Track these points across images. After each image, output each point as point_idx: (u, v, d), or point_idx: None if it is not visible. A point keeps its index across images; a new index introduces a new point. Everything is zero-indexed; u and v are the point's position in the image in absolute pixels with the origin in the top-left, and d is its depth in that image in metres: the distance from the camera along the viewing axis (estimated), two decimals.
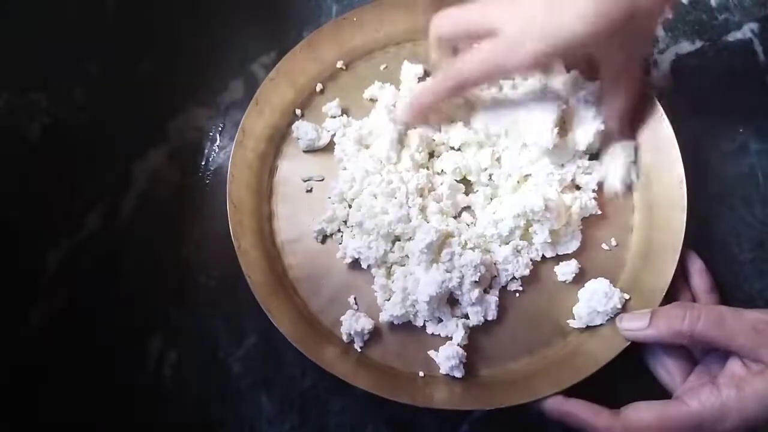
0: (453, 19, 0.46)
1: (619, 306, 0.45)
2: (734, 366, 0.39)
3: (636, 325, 0.41)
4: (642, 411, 0.40)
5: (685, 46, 0.56)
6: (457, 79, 0.45)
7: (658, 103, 0.49)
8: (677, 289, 0.45)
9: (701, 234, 0.48)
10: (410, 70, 0.53)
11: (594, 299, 0.45)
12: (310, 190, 0.50)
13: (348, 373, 0.43)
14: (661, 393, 0.43)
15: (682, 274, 0.46)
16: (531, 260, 0.47)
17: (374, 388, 0.42)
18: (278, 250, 0.48)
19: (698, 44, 0.56)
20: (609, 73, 0.46)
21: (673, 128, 0.48)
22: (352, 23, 0.53)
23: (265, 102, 0.50)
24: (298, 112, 0.52)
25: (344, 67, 0.53)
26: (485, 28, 0.44)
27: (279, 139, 0.51)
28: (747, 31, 0.56)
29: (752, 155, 0.52)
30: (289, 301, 0.46)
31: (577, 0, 0.41)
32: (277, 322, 0.43)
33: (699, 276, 0.46)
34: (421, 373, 0.45)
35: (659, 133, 0.49)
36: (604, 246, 0.48)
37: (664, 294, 0.44)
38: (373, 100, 0.53)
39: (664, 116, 0.49)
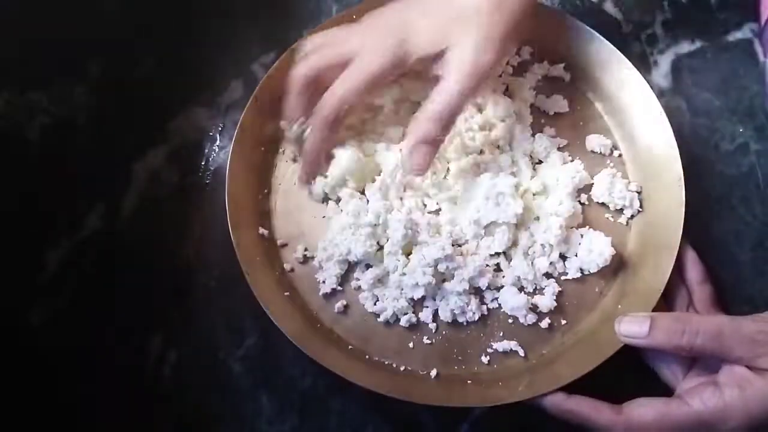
0: (319, 51, 0.47)
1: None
2: (735, 366, 0.39)
3: (635, 332, 0.41)
4: (644, 407, 0.40)
5: (685, 46, 0.56)
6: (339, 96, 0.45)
7: (657, 103, 0.49)
8: (672, 283, 0.45)
9: (701, 234, 0.48)
10: None
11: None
12: None
13: (346, 370, 0.43)
14: (663, 389, 0.43)
15: (677, 267, 0.46)
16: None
17: (373, 386, 0.42)
18: (277, 247, 0.48)
19: (698, 44, 0.56)
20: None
21: (673, 128, 0.48)
22: (352, 20, 0.53)
23: (264, 99, 0.50)
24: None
25: None
26: (346, 56, 0.45)
27: (278, 136, 0.51)
28: (747, 31, 0.56)
29: (752, 155, 0.52)
30: (289, 298, 0.46)
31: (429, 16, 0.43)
32: (276, 320, 0.43)
33: (692, 267, 0.46)
34: (421, 371, 0.45)
35: (659, 132, 0.49)
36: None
37: (661, 292, 0.44)
38: None
39: (664, 115, 0.49)
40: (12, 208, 0.49)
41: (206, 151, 0.52)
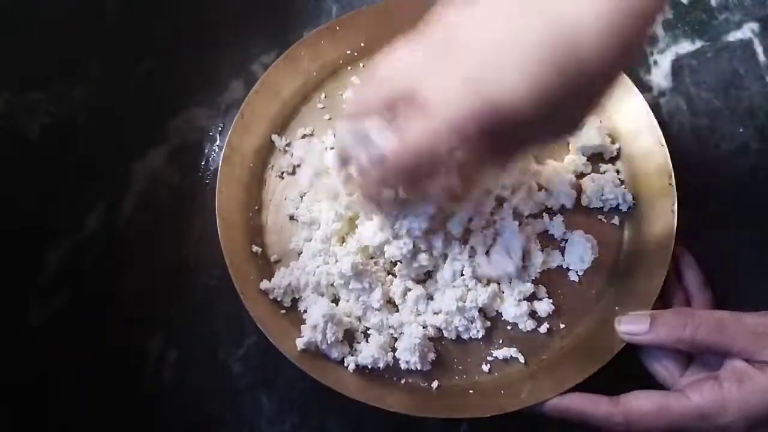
0: (367, 89, 0.36)
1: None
2: (735, 361, 0.39)
3: (636, 329, 0.41)
4: (642, 399, 0.40)
5: (685, 46, 0.56)
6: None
7: (644, 102, 0.49)
8: (670, 286, 0.45)
9: (701, 235, 0.48)
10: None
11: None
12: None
13: (348, 387, 0.43)
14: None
15: (674, 271, 0.46)
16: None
17: (376, 402, 0.42)
18: (271, 264, 0.48)
19: (698, 44, 0.56)
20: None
21: (673, 128, 0.48)
22: (334, 32, 0.53)
23: (250, 115, 0.50)
24: (275, 137, 0.51)
25: (328, 77, 0.53)
26: (401, 90, 0.33)
27: (266, 152, 0.51)
28: (747, 31, 0.56)
29: (752, 155, 0.52)
30: (286, 317, 0.46)
31: (521, 52, 0.30)
32: (275, 341, 0.43)
33: (690, 272, 0.46)
34: (422, 384, 0.44)
35: (646, 131, 0.49)
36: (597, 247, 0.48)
37: (657, 294, 0.44)
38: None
39: (651, 114, 0.49)
40: (12, 208, 0.49)
41: (206, 151, 0.52)
